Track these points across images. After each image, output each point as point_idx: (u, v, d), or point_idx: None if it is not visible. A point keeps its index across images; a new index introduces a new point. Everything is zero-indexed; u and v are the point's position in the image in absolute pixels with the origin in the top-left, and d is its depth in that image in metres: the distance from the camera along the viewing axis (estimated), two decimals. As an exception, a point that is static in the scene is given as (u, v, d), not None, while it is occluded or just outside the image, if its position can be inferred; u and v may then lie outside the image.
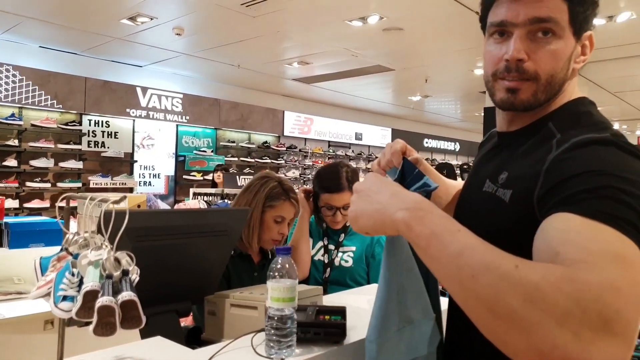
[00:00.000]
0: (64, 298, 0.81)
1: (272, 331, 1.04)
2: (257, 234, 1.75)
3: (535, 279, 0.59)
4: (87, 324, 1.01)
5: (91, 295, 0.77)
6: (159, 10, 5.09)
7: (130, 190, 7.34)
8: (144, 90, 7.74)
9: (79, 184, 6.91)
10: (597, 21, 5.09)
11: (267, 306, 1.06)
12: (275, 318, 1.04)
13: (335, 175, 1.96)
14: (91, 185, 6.97)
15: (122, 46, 6.43)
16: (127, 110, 7.55)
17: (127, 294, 0.77)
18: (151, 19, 5.30)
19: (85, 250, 0.84)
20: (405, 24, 5.28)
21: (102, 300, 0.75)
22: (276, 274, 1.05)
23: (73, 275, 0.83)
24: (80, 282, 0.82)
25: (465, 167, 9.56)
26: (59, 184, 6.75)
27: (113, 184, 7.21)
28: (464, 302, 0.64)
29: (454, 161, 14.07)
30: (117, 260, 0.81)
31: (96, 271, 0.80)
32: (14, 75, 6.33)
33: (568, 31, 0.85)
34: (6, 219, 2.66)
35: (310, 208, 1.99)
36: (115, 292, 0.78)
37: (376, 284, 1.81)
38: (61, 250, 0.91)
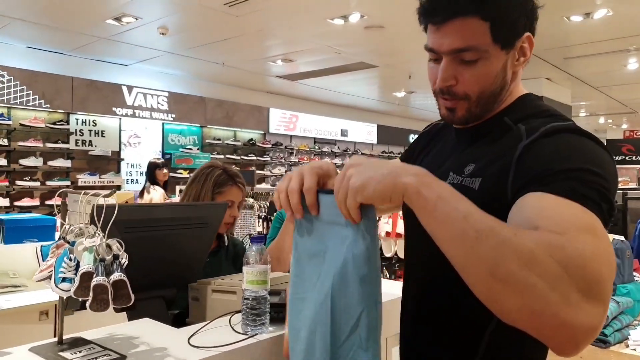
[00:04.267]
0: (63, 279, 0.94)
1: (248, 310, 1.18)
2: None
3: (531, 246, 0.65)
4: (84, 303, 1.14)
5: (87, 276, 0.90)
6: (144, 11, 5.17)
7: (118, 187, 7.41)
8: (130, 88, 7.80)
9: (68, 182, 6.96)
10: (575, 18, 5.21)
11: (243, 289, 1.19)
12: (250, 299, 1.17)
13: None
14: (79, 184, 7.03)
15: (107, 45, 6.49)
16: (114, 108, 7.60)
17: (117, 275, 0.90)
18: (136, 19, 5.38)
19: (80, 238, 0.97)
20: (385, 21, 5.42)
21: (97, 280, 0.88)
22: (251, 260, 1.19)
23: (70, 260, 0.95)
24: (77, 266, 0.95)
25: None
26: (48, 182, 6.81)
27: (101, 181, 7.27)
28: (464, 263, 0.70)
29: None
30: (109, 246, 0.94)
31: (90, 256, 0.92)
32: (2, 76, 6.37)
33: (493, 49, 0.89)
34: (1, 216, 2.76)
35: None
36: (108, 273, 0.91)
37: None
38: (59, 239, 1.03)
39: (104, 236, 0.95)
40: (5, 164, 6.36)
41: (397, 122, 13.47)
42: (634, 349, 1.77)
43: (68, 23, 5.62)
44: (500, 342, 0.92)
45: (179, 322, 1.57)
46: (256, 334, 1.15)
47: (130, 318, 1.42)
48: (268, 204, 4.03)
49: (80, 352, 1.01)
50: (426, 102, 11.37)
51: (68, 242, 1.01)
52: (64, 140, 6.99)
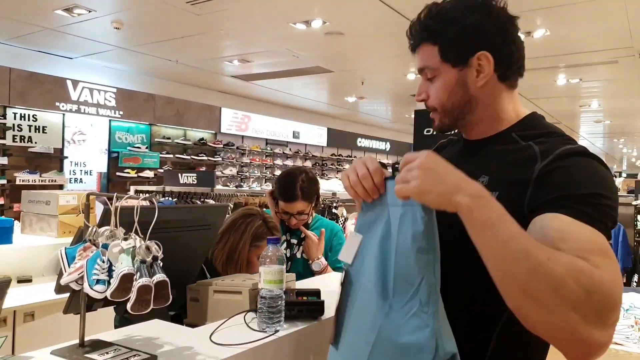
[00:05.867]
0: (97, 281, 0.93)
1: (265, 309, 1.20)
2: (243, 272, 1.80)
3: (561, 271, 0.75)
4: (108, 304, 1.12)
5: (127, 278, 0.89)
6: (98, 3, 4.98)
7: (60, 187, 7.06)
8: (75, 83, 7.46)
9: (4, 181, 6.55)
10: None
11: (259, 288, 1.22)
12: (267, 297, 1.20)
13: (290, 185, 2.06)
14: (17, 182, 6.63)
15: (52, 37, 6.17)
16: (57, 103, 7.24)
17: (160, 276, 0.91)
18: (89, 11, 5.17)
19: (112, 240, 0.96)
20: (346, 28, 5.53)
21: (142, 281, 0.88)
22: (267, 260, 1.22)
23: (103, 262, 0.94)
24: (109, 268, 0.95)
25: (396, 165, 10.00)
26: (-19, 181, 6.39)
27: (42, 180, 6.90)
28: (501, 279, 0.80)
29: (385, 160, 14.63)
30: (147, 248, 0.94)
31: (128, 258, 0.92)
32: None
33: (444, 67, 1.03)
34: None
35: (275, 209, 2.14)
36: (150, 274, 0.91)
37: (337, 273, 2.00)
38: (84, 241, 1.02)
39: (143, 238, 0.95)
40: None
41: (346, 126, 13.70)
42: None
43: (8, 11, 5.29)
44: (507, 343, 0.99)
45: (176, 322, 1.56)
46: (277, 331, 1.18)
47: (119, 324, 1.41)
48: (232, 205, 4.00)
49: (107, 353, 1.00)
50: (374, 107, 11.65)
51: (95, 245, 1.00)
52: None
